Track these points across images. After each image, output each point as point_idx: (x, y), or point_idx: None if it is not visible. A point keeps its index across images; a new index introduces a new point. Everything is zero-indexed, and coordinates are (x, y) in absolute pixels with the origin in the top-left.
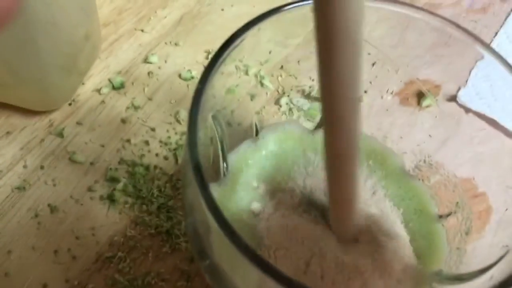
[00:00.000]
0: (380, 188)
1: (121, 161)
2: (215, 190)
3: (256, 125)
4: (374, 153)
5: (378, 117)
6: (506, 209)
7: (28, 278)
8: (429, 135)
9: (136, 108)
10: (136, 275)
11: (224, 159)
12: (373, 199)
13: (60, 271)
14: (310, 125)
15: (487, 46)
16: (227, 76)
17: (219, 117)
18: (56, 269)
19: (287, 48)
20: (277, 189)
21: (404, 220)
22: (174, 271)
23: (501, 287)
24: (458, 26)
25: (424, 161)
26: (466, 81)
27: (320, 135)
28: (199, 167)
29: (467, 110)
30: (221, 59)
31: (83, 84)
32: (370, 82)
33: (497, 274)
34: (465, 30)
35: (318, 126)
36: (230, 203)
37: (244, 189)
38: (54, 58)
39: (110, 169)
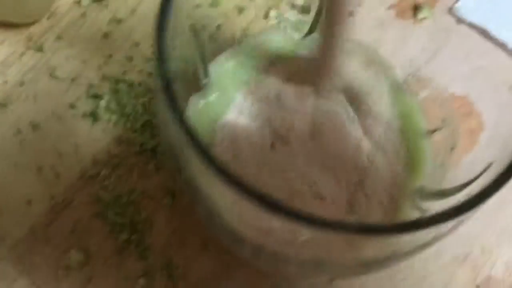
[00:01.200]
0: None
1: (104, 78)
2: (196, 103)
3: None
4: (373, 63)
5: (372, 30)
6: (498, 127)
7: (12, 195)
8: (422, 49)
9: (118, 21)
10: (120, 192)
11: (205, 70)
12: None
13: (44, 188)
14: (296, 35)
15: None
16: None
17: (199, 27)
18: (40, 186)
19: None
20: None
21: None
22: (159, 188)
23: (476, 199)
24: None
25: (413, 75)
26: None
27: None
28: (169, 83)
29: (463, 22)
30: None
31: None
32: None
33: (476, 188)
34: None
35: (306, 35)
36: (210, 114)
37: (223, 100)
38: None
39: (92, 85)
